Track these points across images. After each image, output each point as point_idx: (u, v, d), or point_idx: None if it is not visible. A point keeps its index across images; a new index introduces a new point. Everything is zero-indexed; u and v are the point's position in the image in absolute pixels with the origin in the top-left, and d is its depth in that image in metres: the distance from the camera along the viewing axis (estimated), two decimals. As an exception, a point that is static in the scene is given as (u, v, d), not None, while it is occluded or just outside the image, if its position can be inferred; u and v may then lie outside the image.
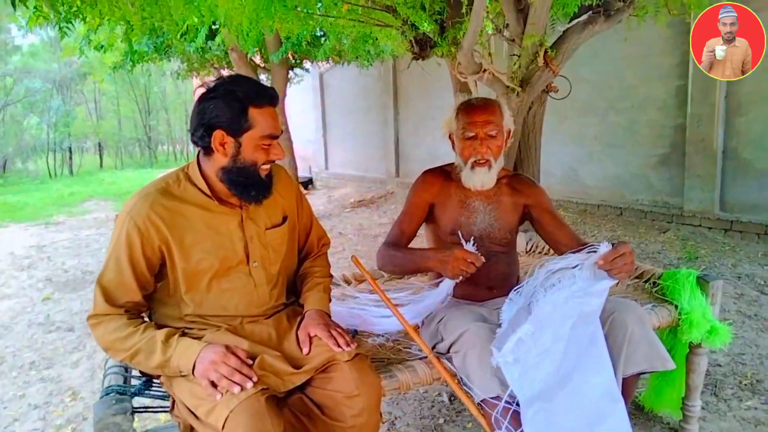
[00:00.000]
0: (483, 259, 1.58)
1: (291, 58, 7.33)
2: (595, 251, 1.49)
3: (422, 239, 2.02)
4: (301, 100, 10.72)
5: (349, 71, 8.72)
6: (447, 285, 1.67)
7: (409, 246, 1.84)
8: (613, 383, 1.47)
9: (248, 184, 1.39)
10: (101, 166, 20.89)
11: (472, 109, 1.78)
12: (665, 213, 5.40)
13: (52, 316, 3.75)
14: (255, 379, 1.25)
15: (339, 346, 1.38)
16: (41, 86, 18.13)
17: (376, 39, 5.17)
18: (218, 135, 1.35)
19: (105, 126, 20.83)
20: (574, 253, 1.54)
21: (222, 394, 1.22)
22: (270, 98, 1.38)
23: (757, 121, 4.72)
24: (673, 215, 5.33)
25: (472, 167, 1.77)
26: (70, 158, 19.73)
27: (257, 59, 7.60)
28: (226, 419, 1.18)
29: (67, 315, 3.78)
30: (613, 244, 1.47)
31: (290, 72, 7.78)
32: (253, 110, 1.35)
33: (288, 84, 7.68)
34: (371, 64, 7.32)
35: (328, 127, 10.85)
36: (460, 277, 1.59)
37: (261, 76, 7.98)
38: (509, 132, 1.85)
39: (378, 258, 1.83)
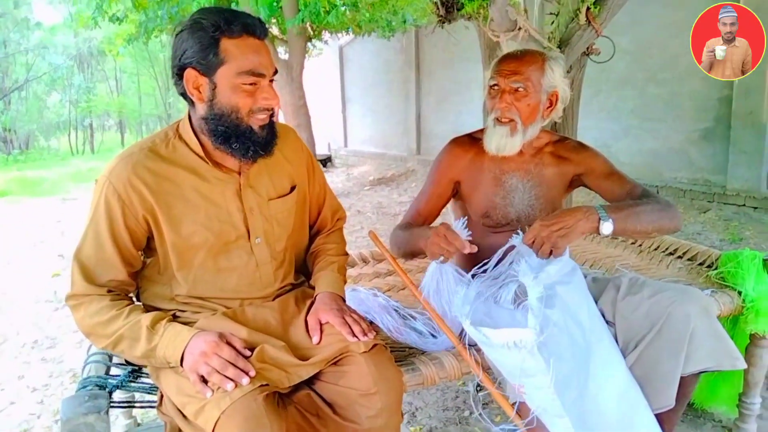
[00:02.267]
0: (469, 248, 1.30)
1: (309, 29, 7.08)
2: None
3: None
4: (320, 75, 10.45)
5: (370, 44, 8.42)
6: (431, 269, 1.40)
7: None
8: (630, 382, 1.25)
9: (230, 135, 1.15)
10: (123, 143, 20.94)
11: (505, 57, 1.53)
12: (706, 192, 5.07)
13: (60, 293, 3.63)
14: (252, 373, 1.05)
15: (354, 335, 1.17)
16: (62, 62, 18.09)
17: (395, 6, 4.89)
18: (190, 75, 1.13)
19: (126, 103, 20.77)
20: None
21: (213, 392, 1.03)
22: (246, 26, 1.12)
23: (814, 92, 4.36)
24: (714, 194, 5.01)
25: (494, 125, 1.50)
26: (92, 135, 19.79)
27: (274, 30, 7.37)
28: (217, 422, 0.99)
29: (75, 292, 3.66)
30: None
31: (308, 44, 7.52)
32: (226, 41, 1.11)
33: (306, 56, 7.42)
34: (392, 35, 7.00)
35: (347, 102, 10.57)
36: (441, 258, 1.33)
37: (278, 48, 7.76)
38: (555, 94, 1.52)
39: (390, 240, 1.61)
